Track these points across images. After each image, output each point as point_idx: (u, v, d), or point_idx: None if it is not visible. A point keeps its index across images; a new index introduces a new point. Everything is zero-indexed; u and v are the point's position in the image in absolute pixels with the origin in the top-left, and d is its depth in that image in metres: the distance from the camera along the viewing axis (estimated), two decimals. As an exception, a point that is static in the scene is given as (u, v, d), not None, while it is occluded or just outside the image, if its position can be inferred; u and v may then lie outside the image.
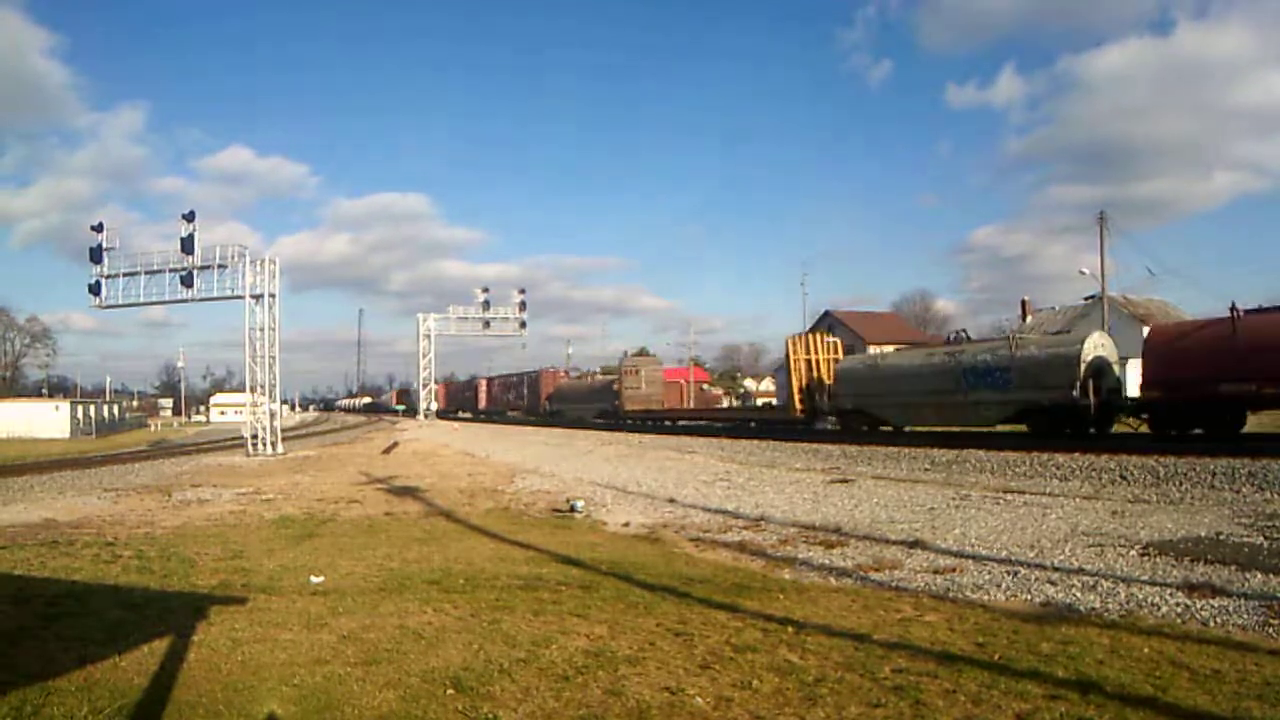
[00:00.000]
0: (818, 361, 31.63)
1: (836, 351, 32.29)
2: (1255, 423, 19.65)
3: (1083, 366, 20.72)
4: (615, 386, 47.00)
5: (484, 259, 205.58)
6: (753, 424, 36.55)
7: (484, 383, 71.70)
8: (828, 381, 30.15)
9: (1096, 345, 21.36)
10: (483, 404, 69.29)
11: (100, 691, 4.52)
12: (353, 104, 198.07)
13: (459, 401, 73.89)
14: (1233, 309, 18.41)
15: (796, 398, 31.84)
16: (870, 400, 27.07)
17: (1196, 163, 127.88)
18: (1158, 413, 19.66)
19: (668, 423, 40.75)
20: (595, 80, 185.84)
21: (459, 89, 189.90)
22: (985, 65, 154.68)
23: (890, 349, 37.51)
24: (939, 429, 24.18)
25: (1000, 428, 22.38)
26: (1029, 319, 51.15)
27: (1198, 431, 18.43)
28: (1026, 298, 53.60)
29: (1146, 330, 22.07)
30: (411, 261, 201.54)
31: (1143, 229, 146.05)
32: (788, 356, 33.06)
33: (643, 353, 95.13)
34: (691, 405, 57.64)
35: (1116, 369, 21.41)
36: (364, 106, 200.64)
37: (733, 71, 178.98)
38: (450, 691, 4.56)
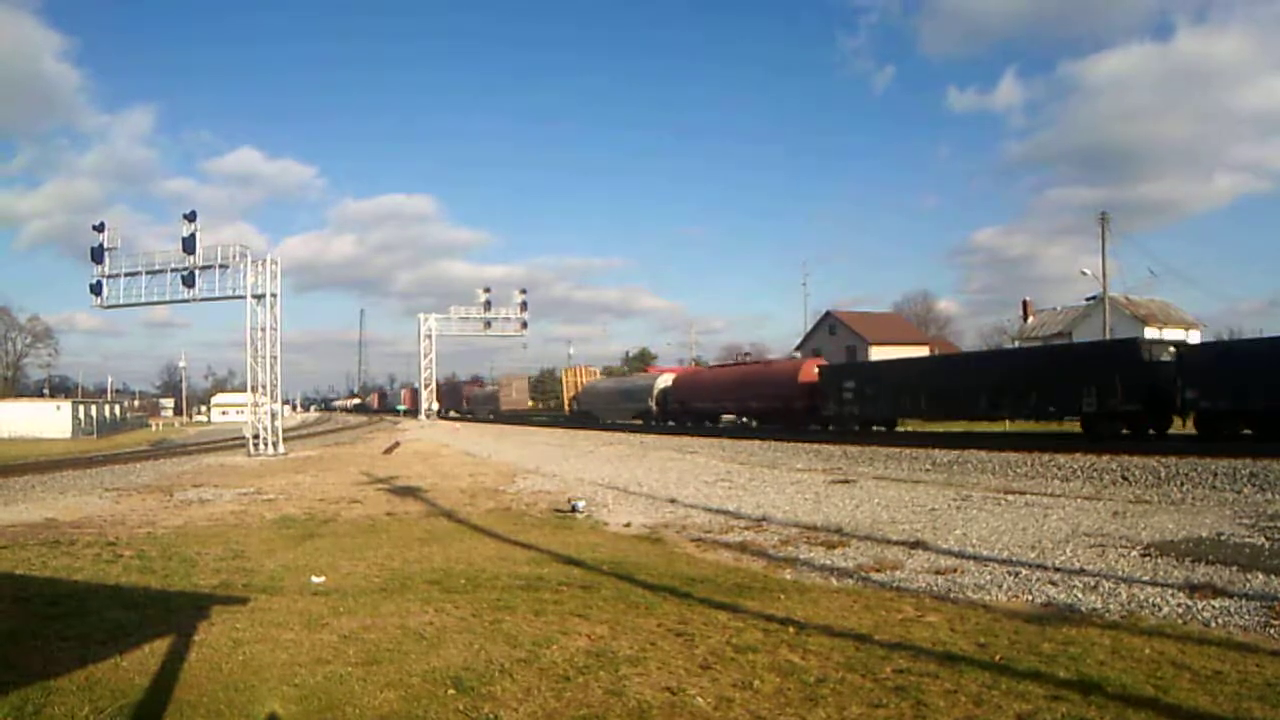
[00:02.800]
0: (579, 382, 56.45)
1: (593, 376, 59.33)
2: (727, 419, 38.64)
3: (655, 391, 41.88)
4: (498, 395, 70.38)
5: (488, 260, 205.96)
6: (561, 417, 57.89)
7: (434, 388, 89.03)
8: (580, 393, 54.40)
9: (665, 380, 42.88)
10: (434, 405, 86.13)
11: (101, 691, 4.52)
12: (361, 105, 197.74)
13: (420, 402, 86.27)
14: (698, 365, 53.19)
15: (567, 403, 57.21)
16: (592, 405, 49.88)
17: (1197, 165, 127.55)
18: (679, 415, 39.60)
19: (516, 417, 63.08)
20: (599, 82, 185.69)
21: (465, 91, 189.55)
22: (986, 70, 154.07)
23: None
24: (627, 422, 42.57)
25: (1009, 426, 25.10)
26: (1030, 319, 51.12)
27: (708, 424, 37.84)
28: (1028, 298, 53.69)
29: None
30: (416, 262, 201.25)
31: (1144, 230, 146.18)
32: (563, 380, 62.40)
33: (643, 354, 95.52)
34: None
35: (696, 393, 39.84)
36: (372, 108, 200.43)
37: (736, 74, 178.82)
38: (451, 691, 4.56)
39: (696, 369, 50.94)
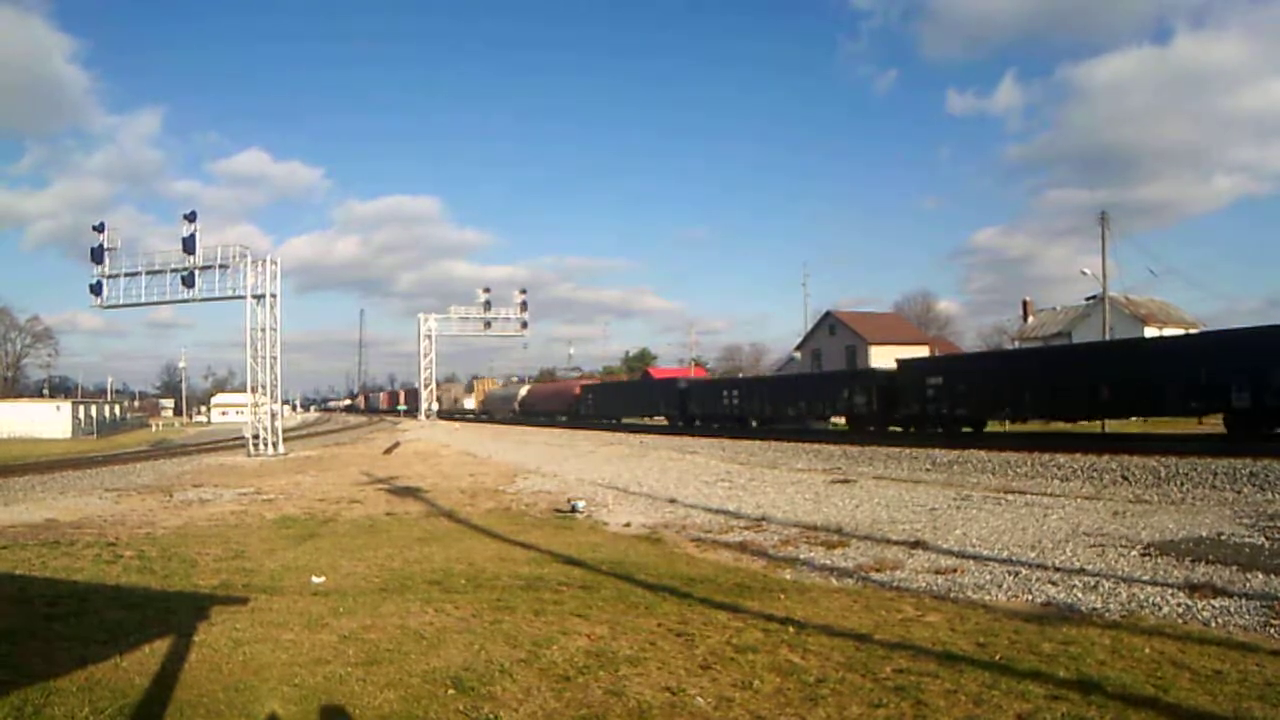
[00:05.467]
0: (485, 390, 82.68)
1: (495, 385, 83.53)
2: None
3: (518, 398, 63.65)
4: (441, 398, 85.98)
5: (490, 260, 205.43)
6: (472, 415, 78.15)
7: (403, 393, 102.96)
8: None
9: (523, 390, 65.60)
10: (402, 404, 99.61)
11: (101, 691, 4.51)
12: (368, 107, 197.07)
13: (419, 402, 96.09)
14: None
15: (478, 404, 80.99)
16: (490, 407, 70.67)
17: (1197, 167, 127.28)
18: (531, 414, 57.91)
19: (455, 415, 77.76)
20: (601, 83, 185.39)
21: (469, 92, 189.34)
22: (986, 73, 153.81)
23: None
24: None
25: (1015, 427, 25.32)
26: (1030, 319, 51.06)
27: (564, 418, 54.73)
28: (1028, 298, 53.52)
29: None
30: (419, 263, 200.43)
31: (1144, 230, 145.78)
32: (474, 387, 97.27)
33: (643, 354, 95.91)
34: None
35: (534, 401, 60.05)
36: (379, 109, 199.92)
37: (738, 75, 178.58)
38: (451, 692, 4.56)
39: (539, 384, 71.48)
